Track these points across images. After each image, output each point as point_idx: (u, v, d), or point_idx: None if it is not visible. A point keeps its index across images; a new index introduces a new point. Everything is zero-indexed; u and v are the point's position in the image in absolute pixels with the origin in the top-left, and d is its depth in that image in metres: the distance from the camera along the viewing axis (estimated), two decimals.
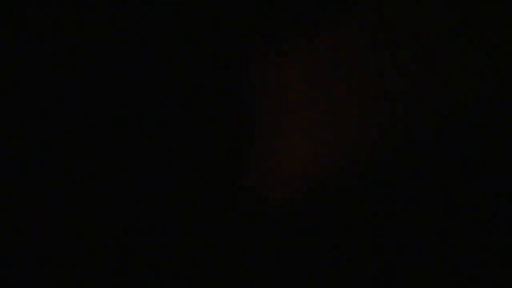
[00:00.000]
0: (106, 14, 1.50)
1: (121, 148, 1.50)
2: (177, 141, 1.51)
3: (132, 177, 1.50)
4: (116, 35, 1.51)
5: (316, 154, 1.48)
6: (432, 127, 1.47)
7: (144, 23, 1.51)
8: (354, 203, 1.47)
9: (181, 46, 1.52)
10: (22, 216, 1.49)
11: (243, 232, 1.48)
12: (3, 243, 1.48)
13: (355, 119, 1.47)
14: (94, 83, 1.50)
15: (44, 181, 1.50)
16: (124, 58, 1.51)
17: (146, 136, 1.51)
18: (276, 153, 1.48)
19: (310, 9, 1.50)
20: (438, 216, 1.46)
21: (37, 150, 1.50)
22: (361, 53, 1.49)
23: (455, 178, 1.47)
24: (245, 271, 1.47)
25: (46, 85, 1.51)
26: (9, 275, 1.47)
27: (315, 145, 1.48)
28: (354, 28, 1.49)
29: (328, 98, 1.48)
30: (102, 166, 1.49)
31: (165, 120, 1.51)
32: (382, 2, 1.49)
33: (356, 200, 1.47)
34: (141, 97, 1.51)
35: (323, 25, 1.50)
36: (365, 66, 1.49)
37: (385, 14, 1.49)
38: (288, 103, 1.49)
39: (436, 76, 1.48)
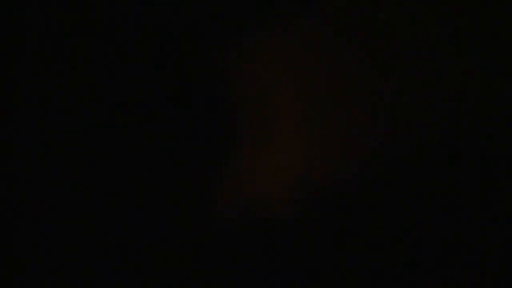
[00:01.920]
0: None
1: (103, 149, 1.51)
2: (172, 144, 1.51)
3: (126, 177, 1.50)
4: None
5: (308, 156, 1.48)
6: (429, 127, 1.47)
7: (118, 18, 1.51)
8: (348, 204, 1.47)
9: (158, 44, 1.51)
10: (22, 216, 1.49)
11: (236, 234, 1.48)
12: (3, 243, 1.49)
13: (350, 120, 1.47)
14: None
15: (42, 182, 1.50)
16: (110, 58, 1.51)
17: (146, 136, 1.51)
18: (268, 155, 1.49)
19: (304, 6, 1.50)
20: (437, 216, 1.46)
21: (36, 150, 1.51)
22: (356, 52, 1.49)
23: (455, 179, 1.47)
24: (240, 273, 1.48)
25: (44, 85, 1.52)
26: (9, 275, 1.48)
27: (307, 147, 1.48)
28: (349, 26, 1.49)
29: (322, 99, 1.48)
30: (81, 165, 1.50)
31: (161, 121, 1.51)
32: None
33: (350, 201, 1.47)
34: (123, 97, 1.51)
35: (318, 23, 1.50)
36: (360, 66, 1.49)
37: (382, 12, 1.50)
38: (281, 105, 1.49)
39: (435, 75, 1.48)
